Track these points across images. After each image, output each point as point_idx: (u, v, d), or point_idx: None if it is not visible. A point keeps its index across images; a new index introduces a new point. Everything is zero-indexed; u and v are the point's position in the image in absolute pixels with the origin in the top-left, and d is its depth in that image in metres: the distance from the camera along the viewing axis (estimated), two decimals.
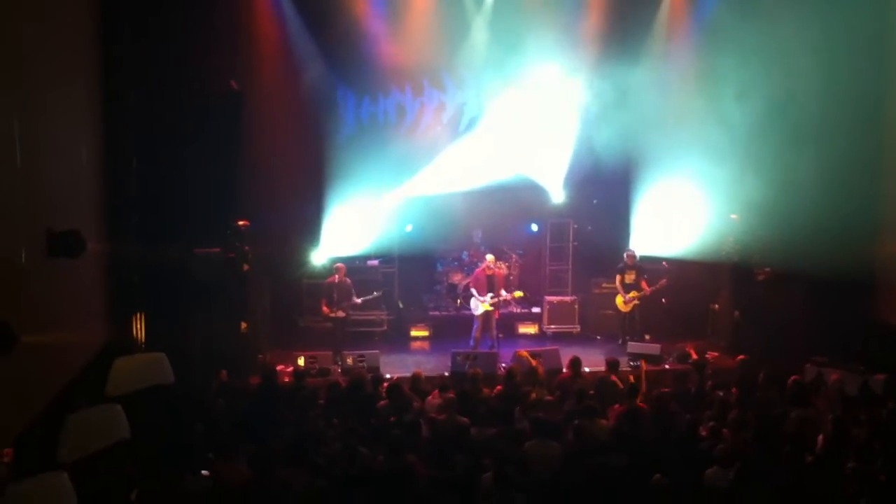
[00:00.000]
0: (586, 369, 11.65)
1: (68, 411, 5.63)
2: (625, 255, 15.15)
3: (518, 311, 16.59)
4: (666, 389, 10.54)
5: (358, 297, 13.92)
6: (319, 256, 15.34)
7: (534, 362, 11.69)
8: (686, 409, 9.70)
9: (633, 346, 14.00)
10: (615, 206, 16.18)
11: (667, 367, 13.38)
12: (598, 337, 15.80)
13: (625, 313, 15.05)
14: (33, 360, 6.25)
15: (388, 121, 16.32)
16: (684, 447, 8.36)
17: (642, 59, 15.46)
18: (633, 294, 14.84)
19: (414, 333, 15.84)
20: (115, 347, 9.02)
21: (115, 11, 10.25)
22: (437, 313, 16.55)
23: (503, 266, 16.07)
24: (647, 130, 15.04)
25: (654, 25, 15.80)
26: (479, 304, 14.13)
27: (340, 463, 7.76)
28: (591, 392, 10.32)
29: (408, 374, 11.42)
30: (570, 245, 16.98)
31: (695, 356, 13.10)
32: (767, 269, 14.11)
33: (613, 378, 11.01)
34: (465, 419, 8.97)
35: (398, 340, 15.53)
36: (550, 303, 16.13)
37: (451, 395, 9.90)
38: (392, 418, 9.21)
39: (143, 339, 10.80)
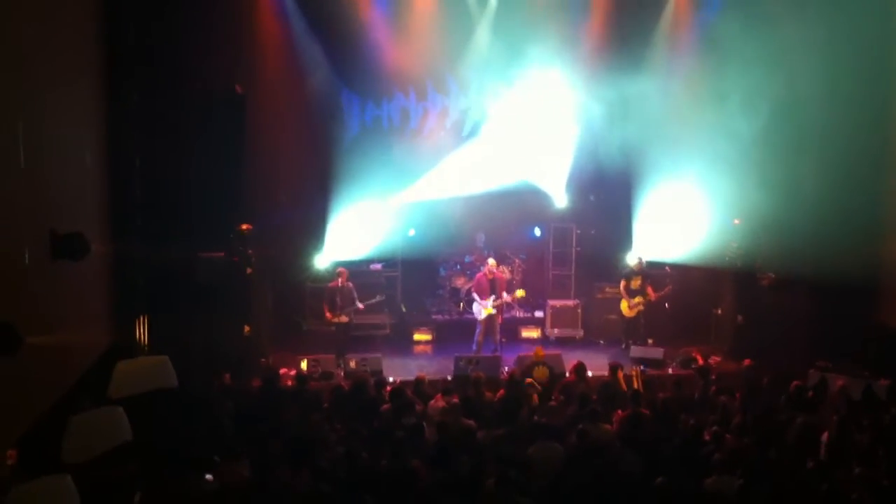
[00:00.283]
0: (589, 374, 11.62)
1: (72, 413, 5.63)
2: (631, 261, 15.15)
3: (521, 315, 16.60)
4: (665, 395, 10.53)
5: (360, 301, 13.92)
6: (323, 260, 15.34)
7: (541, 354, 11.90)
8: (689, 413, 9.69)
9: (635, 351, 14.01)
10: (618, 211, 16.16)
11: (670, 371, 13.37)
12: (602, 341, 15.78)
13: (629, 318, 15.04)
14: (37, 361, 6.26)
15: (391, 125, 16.32)
16: (687, 452, 8.34)
17: (645, 63, 15.46)
18: (638, 300, 14.83)
19: (417, 337, 15.82)
20: (119, 350, 9.02)
21: (118, 12, 10.26)
22: (439, 317, 16.56)
23: (505, 270, 16.07)
24: (650, 135, 15.03)
25: (656, 30, 15.79)
26: (482, 309, 14.11)
27: (343, 466, 7.75)
28: (595, 397, 10.30)
29: (411, 378, 11.39)
30: (573, 249, 16.98)
31: (700, 361, 13.12)
32: (771, 274, 14.09)
33: (618, 381, 11.02)
34: (469, 422, 8.96)
35: (401, 344, 15.52)
36: (553, 307, 16.12)
37: (455, 399, 9.91)
38: (395, 422, 9.20)
39: (146, 342, 10.81)
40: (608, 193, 16.23)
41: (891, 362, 11.65)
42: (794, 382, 10.29)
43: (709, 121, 14.43)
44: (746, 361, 12.05)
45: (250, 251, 13.02)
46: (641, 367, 13.01)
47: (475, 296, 14.30)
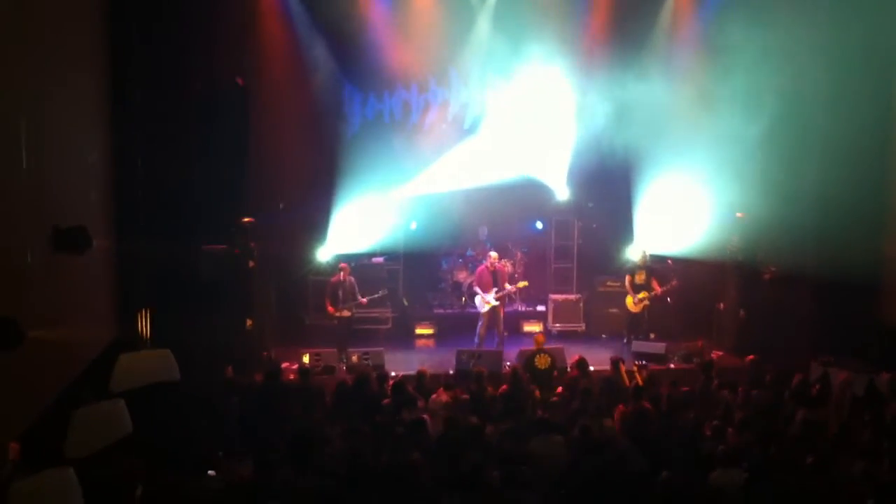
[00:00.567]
0: (591, 368, 11.62)
1: (74, 407, 5.64)
2: (636, 255, 15.15)
3: (523, 309, 16.60)
4: (667, 390, 10.54)
5: (363, 295, 13.92)
6: (325, 254, 15.35)
7: (542, 340, 12.09)
8: (691, 408, 9.69)
9: (637, 345, 14.01)
10: (620, 205, 16.15)
11: (672, 366, 13.37)
12: (603, 335, 15.79)
13: (633, 313, 15.02)
14: (40, 355, 6.26)
15: (393, 118, 16.32)
16: (688, 446, 8.34)
17: (646, 58, 15.45)
18: (643, 294, 14.81)
19: (419, 331, 15.85)
20: (122, 344, 9.03)
21: (121, 8, 10.24)
22: (441, 311, 16.56)
23: (507, 263, 16.06)
24: (652, 130, 15.00)
25: (657, 25, 15.79)
26: (484, 302, 14.11)
27: (345, 461, 7.75)
28: (597, 391, 10.30)
29: (413, 373, 11.40)
30: (575, 243, 16.98)
31: (706, 356, 13.17)
32: (773, 269, 14.08)
33: (620, 376, 11.02)
34: (473, 419, 8.96)
35: (403, 338, 15.53)
36: (555, 301, 16.12)
37: (458, 393, 9.93)
38: (396, 416, 9.21)
39: (148, 336, 10.81)
40: (610, 187, 16.20)
41: (893, 357, 11.64)
42: (798, 376, 10.29)
43: (710, 116, 14.42)
44: (750, 357, 12.02)
45: (253, 245, 13.03)
46: (643, 362, 13.05)
47: (477, 289, 14.28)
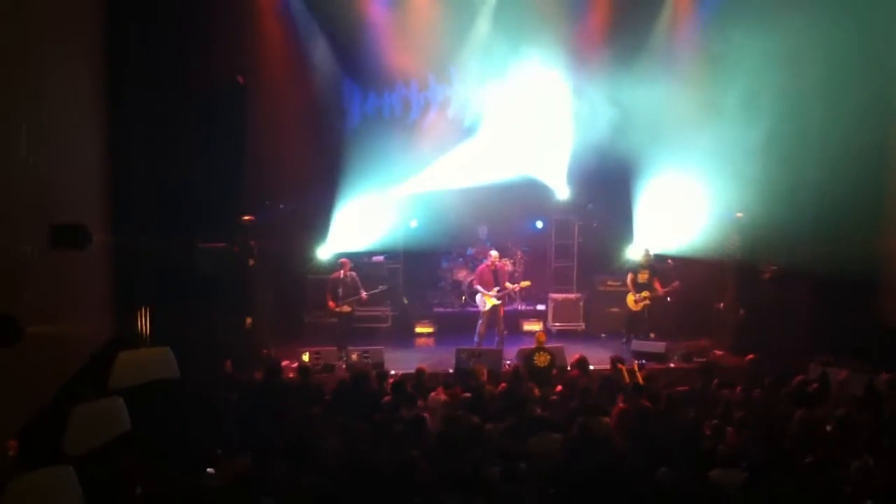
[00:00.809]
0: (591, 367, 11.61)
1: (73, 404, 5.63)
2: (639, 254, 15.15)
3: (523, 308, 16.61)
4: (667, 389, 10.52)
5: (363, 291, 13.93)
6: (325, 252, 15.35)
7: (543, 339, 12.16)
8: (690, 407, 9.67)
9: (637, 345, 14.01)
10: (620, 204, 16.15)
11: (671, 365, 13.37)
12: (603, 335, 15.79)
13: (634, 312, 15.02)
14: (38, 352, 6.26)
15: (393, 115, 16.33)
16: (687, 445, 8.33)
17: (645, 57, 15.45)
18: (644, 294, 14.81)
19: (418, 330, 15.86)
20: (121, 340, 9.02)
21: (120, 6, 10.24)
22: (441, 310, 16.58)
23: (507, 262, 16.06)
24: (651, 129, 15.02)
25: (657, 24, 15.78)
26: (485, 301, 14.11)
27: (344, 459, 7.74)
28: (596, 390, 10.28)
29: (412, 371, 11.39)
30: (576, 242, 16.98)
31: (708, 355, 13.20)
32: (773, 268, 14.08)
33: (618, 375, 11.00)
34: (474, 418, 8.94)
35: (403, 337, 15.55)
36: (555, 300, 16.12)
37: (457, 391, 9.92)
38: (396, 415, 9.19)
39: (147, 333, 10.80)
40: (610, 187, 16.19)
41: (892, 356, 11.63)
42: (798, 377, 10.29)
43: (710, 116, 14.42)
44: (749, 356, 12.02)
45: (252, 243, 13.02)
46: (642, 361, 13.05)
47: (479, 287, 14.29)
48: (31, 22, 6.89)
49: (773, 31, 13.57)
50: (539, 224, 17.52)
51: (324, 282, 14.36)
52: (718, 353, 14.11)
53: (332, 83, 15.69)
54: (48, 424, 6.19)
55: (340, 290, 13.82)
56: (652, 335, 14.78)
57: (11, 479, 4.64)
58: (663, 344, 13.81)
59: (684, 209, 15.23)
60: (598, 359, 12.66)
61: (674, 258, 15.46)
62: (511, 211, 16.89)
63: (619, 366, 11.16)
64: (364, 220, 15.61)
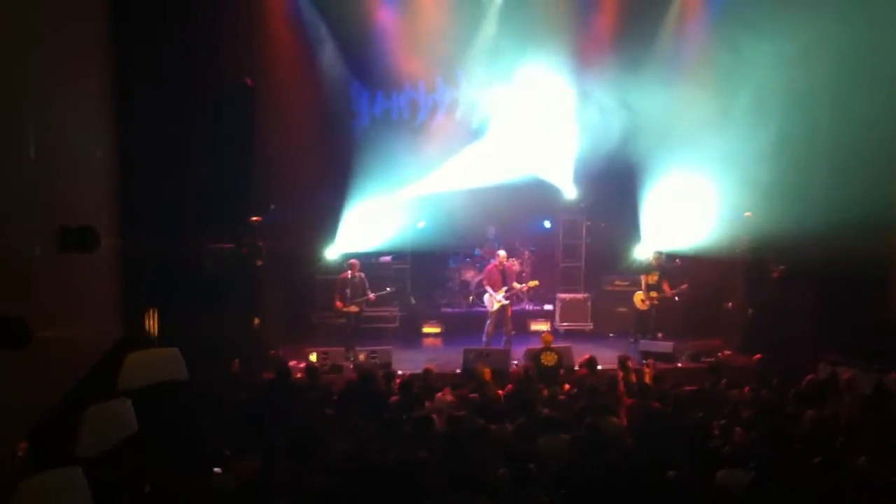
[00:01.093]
0: (599, 367, 11.61)
1: (83, 406, 5.65)
2: (650, 256, 15.13)
3: (530, 308, 16.60)
4: (675, 389, 10.50)
5: (371, 292, 13.94)
6: (333, 252, 15.37)
7: (550, 339, 12.22)
8: (698, 407, 9.66)
9: (645, 345, 13.99)
10: (628, 204, 16.12)
11: (679, 365, 13.35)
12: (611, 335, 15.77)
13: (641, 311, 15.01)
14: (48, 354, 6.28)
15: (401, 117, 16.34)
16: (695, 445, 8.31)
17: (654, 57, 15.43)
18: (652, 294, 14.80)
19: (426, 330, 15.87)
20: (129, 342, 9.04)
21: (127, 7, 10.26)
22: (449, 310, 16.58)
23: (515, 262, 16.06)
24: (659, 129, 14.98)
25: (664, 23, 15.74)
26: (494, 301, 14.11)
27: (352, 459, 7.75)
28: (604, 390, 10.28)
29: (419, 371, 11.40)
30: (583, 242, 16.97)
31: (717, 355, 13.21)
32: (781, 267, 14.05)
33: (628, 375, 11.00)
34: (479, 419, 8.94)
35: (410, 337, 15.56)
36: (563, 300, 16.11)
37: (465, 392, 9.92)
38: (403, 415, 9.20)
39: (156, 334, 10.83)
40: (618, 186, 16.14)
41: None
42: (808, 377, 10.27)
43: (718, 116, 14.40)
44: (757, 356, 12.00)
45: (260, 243, 13.04)
46: (651, 360, 13.03)
47: (487, 287, 14.29)
48: (37, 23, 6.91)
49: (781, 31, 13.54)
50: (547, 224, 17.52)
51: (332, 282, 14.38)
52: (727, 352, 14.05)
53: (341, 85, 15.69)
54: (58, 426, 6.22)
55: (348, 291, 13.84)
56: (660, 335, 14.76)
57: (21, 481, 4.66)
58: (671, 344, 13.79)
59: (693, 209, 15.19)
60: (606, 359, 12.65)
61: (682, 258, 15.44)
62: (519, 211, 16.89)
63: (629, 363, 11.17)
64: (372, 220, 15.61)
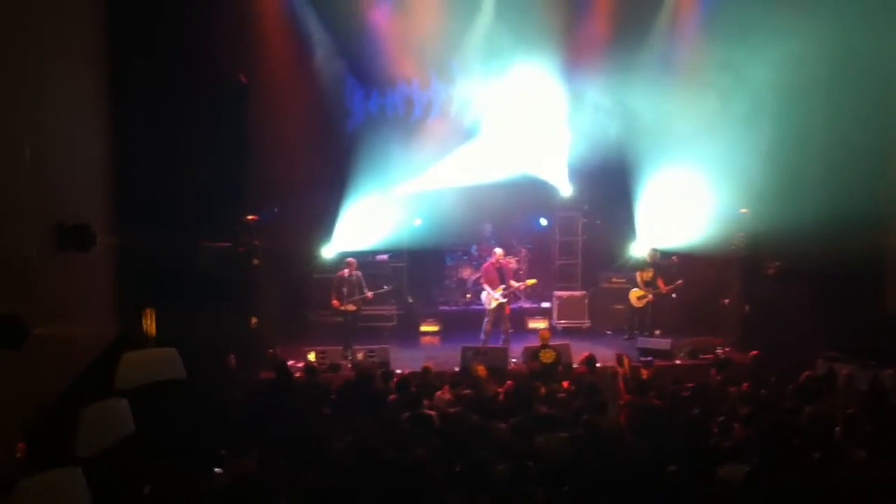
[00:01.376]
0: (598, 365, 11.60)
1: (80, 405, 5.62)
2: (645, 253, 15.14)
3: (528, 305, 16.60)
4: (673, 385, 10.50)
5: (368, 290, 13.92)
6: (329, 250, 15.34)
7: (547, 336, 12.28)
8: (696, 403, 9.66)
9: (643, 342, 13.99)
10: (624, 201, 16.12)
11: (677, 362, 13.35)
12: (609, 332, 15.78)
13: (636, 308, 15.02)
14: (44, 353, 6.25)
15: (396, 114, 16.33)
16: (694, 442, 8.32)
17: (648, 53, 15.45)
18: (648, 290, 14.81)
19: (423, 328, 15.87)
20: (126, 341, 9.02)
21: (123, 4, 10.23)
22: (446, 308, 16.59)
23: (511, 260, 16.06)
24: (654, 124, 15.00)
25: (659, 16, 15.74)
26: (492, 299, 14.10)
27: (350, 458, 7.74)
28: (602, 387, 10.27)
29: (418, 370, 11.38)
30: (580, 239, 16.98)
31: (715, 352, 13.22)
32: (777, 264, 14.07)
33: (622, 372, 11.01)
34: (474, 416, 8.93)
35: (408, 335, 15.54)
36: (560, 297, 16.12)
37: (462, 390, 9.92)
38: (402, 413, 9.19)
39: (153, 333, 10.80)
40: (614, 183, 16.15)
41: None
42: (805, 373, 10.28)
43: (713, 109, 14.41)
44: (752, 352, 12.03)
45: (257, 242, 13.02)
46: (648, 358, 13.06)
47: (485, 285, 14.29)
48: (32, 21, 6.87)
49: (774, 30, 13.56)
50: (543, 221, 17.52)
51: (329, 280, 14.37)
52: (725, 349, 14.06)
53: (335, 82, 15.68)
54: (56, 426, 6.19)
55: (345, 289, 13.83)
56: (657, 332, 14.77)
57: (20, 481, 4.64)
58: (669, 341, 13.79)
59: (688, 205, 15.21)
60: (604, 356, 12.64)
61: (678, 254, 15.45)
62: (515, 208, 16.91)
63: (625, 360, 11.18)
64: (368, 218, 15.59)
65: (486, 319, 14.25)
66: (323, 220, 15.42)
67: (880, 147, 13.05)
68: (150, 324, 10.72)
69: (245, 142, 12.84)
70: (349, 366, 12.87)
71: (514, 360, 12.84)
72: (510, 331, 14.36)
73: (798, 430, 8.60)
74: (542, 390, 10.20)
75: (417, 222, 16.31)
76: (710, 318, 15.24)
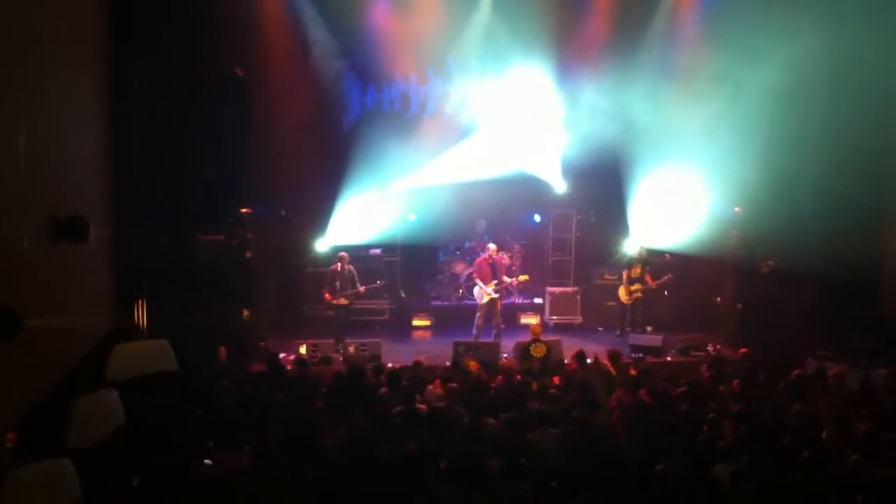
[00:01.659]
0: (588, 361, 11.63)
1: (72, 397, 5.63)
2: (632, 249, 15.17)
3: (520, 301, 16.63)
4: (664, 383, 10.53)
5: (361, 285, 13.94)
6: (323, 244, 15.35)
7: (538, 330, 12.32)
8: (687, 401, 9.69)
9: (634, 338, 14.03)
10: (618, 199, 16.14)
11: (668, 359, 13.40)
12: (600, 328, 15.83)
13: (626, 305, 15.07)
14: (37, 345, 6.25)
15: (393, 109, 16.33)
16: (685, 439, 8.34)
17: (644, 51, 15.46)
18: (636, 287, 14.86)
19: (416, 323, 15.88)
20: (119, 333, 9.03)
21: (123, 1, 10.23)
22: (439, 303, 16.61)
23: (504, 256, 16.08)
24: (650, 123, 15.01)
25: (656, 16, 15.75)
26: (484, 294, 14.11)
27: (342, 451, 7.76)
28: (593, 383, 10.29)
29: (409, 364, 11.40)
30: (573, 236, 17.01)
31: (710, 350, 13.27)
32: (770, 263, 14.11)
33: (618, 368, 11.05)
34: (469, 409, 8.95)
35: (400, 330, 15.56)
36: (552, 294, 16.15)
37: (454, 384, 9.93)
38: (394, 407, 9.20)
39: (145, 326, 10.81)
40: (608, 181, 16.17)
41: (889, 351, 11.66)
42: (795, 371, 10.32)
43: (709, 108, 14.43)
44: (743, 350, 12.08)
45: (250, 235, 13.03)
46: (639, 355, 13.11)
47: (477, 280, 14.30)
48: (32, 15, 6.87)
49: (771, 23, 13.59)
50: (537, 218, 17.54)
51: (322, 274, 14.37)
52: (716, 346, 14.10)
53: (333, 78, 15.68)
54: (47, 417, 6.20)
55: (338, 284, 13.84)
56: (649, 329, 14.82)
57: (10, 472, 4.65)
58: (660, 338, 13.82)
59: (682, 203, 15.24)
60: (595, 352, 12.67)
61: (672, 252, 15.49)
62: (509, 205, 16.90)
63: (617, 356, 11.23)
64: (363, 213, 15.60)
65: (477, 314, 14.26)
66: (318, 214, 15.41)
67: (876, 149, 13.07)
68: (143, 316, 10.73)
69: (242, 136, 12.84)
70: (341, 359, 12.88)
71: (505, 355, 12.86)
72: (502, 326, 14.37)
73: (787, 427, 8.65)
74: (535, 386, 10.22)
75: (412, 217, 16.33)
76: (703, 315, 15.29)
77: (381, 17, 15.32)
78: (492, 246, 14.55)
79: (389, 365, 11.89)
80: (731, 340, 14.16)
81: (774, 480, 7.13)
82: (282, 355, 12.62)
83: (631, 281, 14.97)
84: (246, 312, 13.00)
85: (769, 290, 13.85)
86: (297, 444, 7.77)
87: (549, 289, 16.26)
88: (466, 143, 16.16)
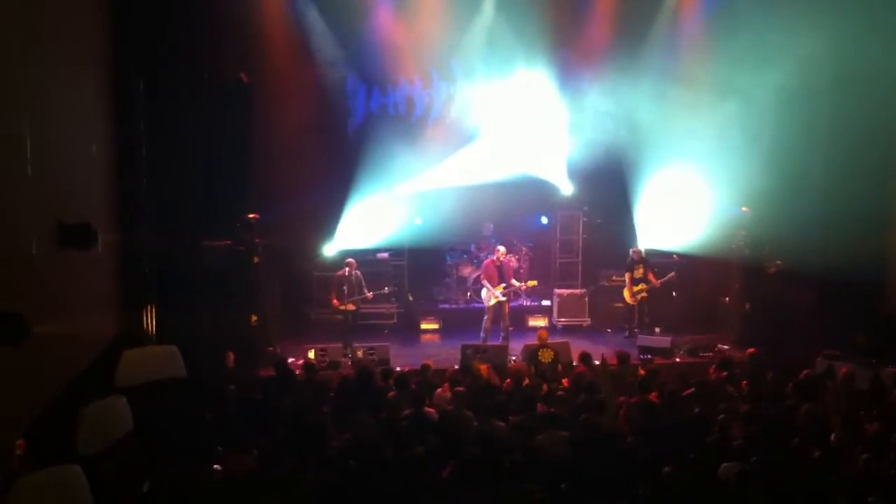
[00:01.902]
0: (596, 362, 11.61)
1: (81, 403, 5.64)
2: (631, 252, 15.15)
3: (528, 303, 16.60)
4: (672, 384, 10.51)
5: (368, 290, 13.93)
6: (330, 249, 15.36)
7: (545, 335, 12.23)
8: (696, 402, 9.67)
9: (643, 339, 13.99)
10: (625, 200, 16.11)
11: (677, 360, 13.36)
12: (609, 330, 15.80)
13: (633, 306, 15.04)
14: (46, 351, 6.26)
15: (398, 112, 16.34)
16: (693, 440, 8.32)
17: (649, 50, 15.43)
18: (640, 287, 14.84)
19: (424, 326, 15.87)
20: (127, 338, 9.04)
21: (125, 3, 10.25)
22: (446, 306, 16.59)
23: (512, 258, 16.06)
24: (657, 124, 14.99)
25: (660, 16, 15.72)
26: (492, 296, 14.09)
27: (350, 455, 7.76)
28: (602, 385, 10.27)
29: (418, 368, 11.39)
30: (580, 238, 17.00)
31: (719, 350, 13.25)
32: (778, 263, 14.07)
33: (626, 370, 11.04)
34: (479, 413, 8.94)
35: (408, 333, 15.55)
36: (560, 296, 16.14)
37: (462, 388, 9.92)
38: (401, 411, 9.20)
39: (153, 331, 10.82)
40: (615, 183, 16.14)
41: None
42: (804, 371, 10.28)
43: (716, 109, 14.42)
44: (750, 350, 12.04)
45: (257, 240, 13.04)
46: (647, 356, 13.08)
47: (485, 283, 14.28)
48: (35, 20, 6.89)
49: (776, 23, 13.56)
50: (544, 220, 17.53)
51: (329, 279, 14.36)
52: (725, 347, 14.06)
53: (337, 81, 15.69)
54: (56, 423, 6.21)
55: (345, 289, 13.82)
56: (657, 329, 14.78)
57: (19, 479, 4.66)
58: (669, 339, 13.78)
59: (690, 204, 15.21)
60: (604, 354, 12.63)
61: (679, 253, 15.46)
62: (516, 207, 16.89)
63: (626, 357, 11.22)
64: (369, 217, 15.61)
65: (485, 317, 14.24)
66: (324, 218, 15.42)
67: (882, 149, 13.04)
68: (151, 322, 10.75)
69: (247, 140, 12.85)
70: (349, 363, 12.87)
71: (513, 357, 12.84)
72: (510, 328, 14.34)
73: (797, 428, 8.62)
74: (545, 388, 10.21)
75: (418, 221, 16.33)
76: (711, 316, 15.26)
77: (384, 20, 15.31)
78: (501, 248, 14.53)
79: (398, 368, 11.89)
80: (739, 341, 14.12)
81: (784, 480, 7.11)
82: (290, 360, 12.62)
83: (634, 282, 14.94)
84: (254, 317, 13.00)
85: (777, 290, 13.81)
86: (304, 448, 7.77)
87: (557, 291, 16.25)
88: (472, 146, 16.14)
